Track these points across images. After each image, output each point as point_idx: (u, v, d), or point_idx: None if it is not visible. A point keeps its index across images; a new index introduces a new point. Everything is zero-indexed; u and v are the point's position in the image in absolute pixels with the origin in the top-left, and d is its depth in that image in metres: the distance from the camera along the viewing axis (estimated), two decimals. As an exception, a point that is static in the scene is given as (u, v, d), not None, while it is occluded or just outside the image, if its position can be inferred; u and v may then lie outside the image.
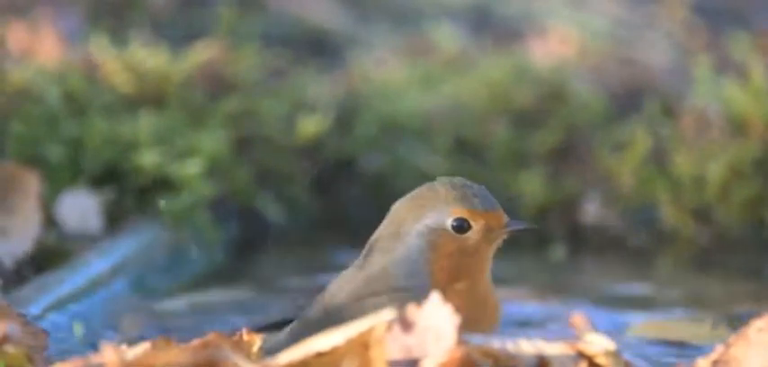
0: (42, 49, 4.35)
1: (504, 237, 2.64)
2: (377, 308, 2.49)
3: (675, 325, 3.48)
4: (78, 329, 3.26)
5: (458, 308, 2.38)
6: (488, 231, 2.60)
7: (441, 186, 2.61)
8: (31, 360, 2.59)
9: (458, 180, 2.62)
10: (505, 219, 2.62)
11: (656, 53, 4.81)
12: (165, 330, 3.35)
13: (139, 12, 4.81)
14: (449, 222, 2.59)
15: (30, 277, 3.43)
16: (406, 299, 2.46)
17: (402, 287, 2.60)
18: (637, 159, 4.21)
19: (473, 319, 2.49)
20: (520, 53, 4.64)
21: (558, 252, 4.15)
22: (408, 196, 2.66)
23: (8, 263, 3.45)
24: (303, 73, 4.43)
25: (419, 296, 2.44)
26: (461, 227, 2.59)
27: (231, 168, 4.06)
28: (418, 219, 2.61)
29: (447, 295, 2.43)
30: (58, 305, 3.32)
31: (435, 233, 2.60)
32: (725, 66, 4.49)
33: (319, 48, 4.85)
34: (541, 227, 4.25)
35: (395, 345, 2.40)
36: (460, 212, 2.58)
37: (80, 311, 3.37)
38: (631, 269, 4.09)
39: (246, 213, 4.11)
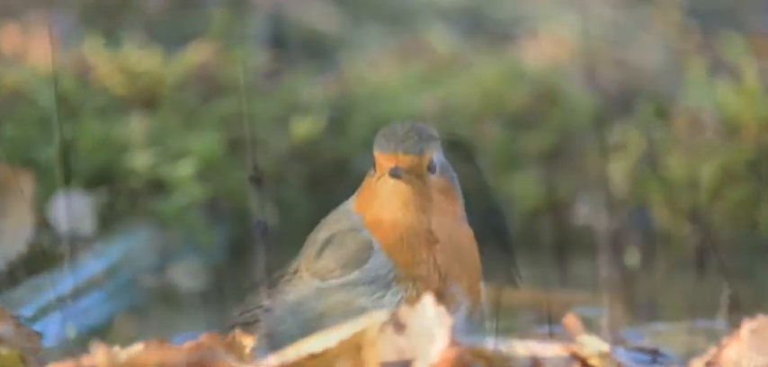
0: (35, 51, 4.34)
1: (399, 177, 2.80)
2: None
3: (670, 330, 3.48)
4: (71, 331, 3.25)
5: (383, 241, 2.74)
6: (382, 172, 2.83)
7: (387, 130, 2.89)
8: (24, 361, 2.59)
9: (403, 124, 2.90)
10: (393, 163, 2.81)
11: (649, 55, 4.81)
12: (157, 332, 3.34)
13: (133, 13, 4.80)
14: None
15: (23, 279, 3.43)
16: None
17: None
18: (630, 161, 4.22)
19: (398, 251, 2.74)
20: (513, 55, 4.64)
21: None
22: None
23: (1, 264, 3.45)
24: (296, 74, 4.43)
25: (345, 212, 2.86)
26: (373, 166, 2.86)
27: (224, 170, 4.06)
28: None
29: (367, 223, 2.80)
30: (51, 307, 3.32)
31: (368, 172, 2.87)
32: (718, 67, 4.49)
33: (312, 49, 4.85)
34: (533, 228, 4.25)
35: (388, 347, 2.40)
36: (375, 154, 2.85)
37: (73, 313, 3.37)
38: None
39: (239, 215, 4.11)
